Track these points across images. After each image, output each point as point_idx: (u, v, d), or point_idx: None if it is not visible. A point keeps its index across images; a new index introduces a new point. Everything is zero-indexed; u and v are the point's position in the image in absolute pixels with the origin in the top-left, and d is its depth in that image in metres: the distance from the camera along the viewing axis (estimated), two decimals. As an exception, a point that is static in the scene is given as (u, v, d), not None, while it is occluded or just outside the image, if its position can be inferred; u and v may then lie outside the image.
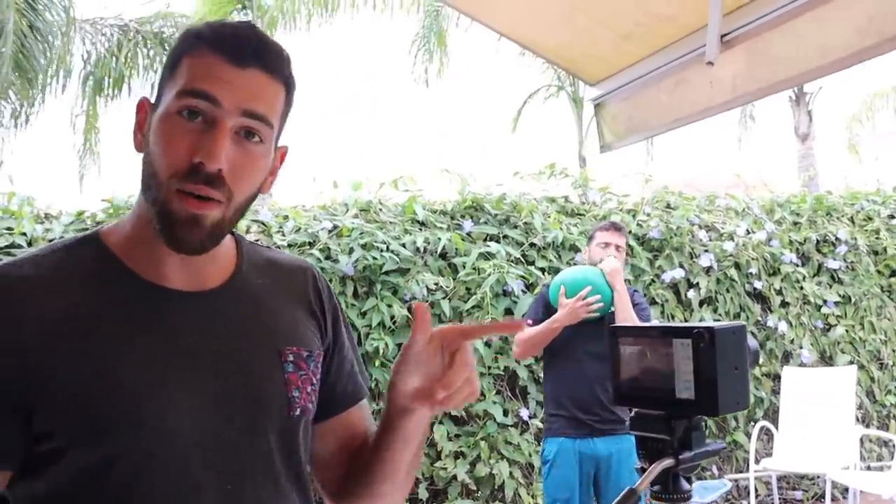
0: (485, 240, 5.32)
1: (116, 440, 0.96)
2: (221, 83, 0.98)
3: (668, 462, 0.86)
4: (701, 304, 5.84)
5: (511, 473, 4.89)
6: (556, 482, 3.64)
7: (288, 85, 1.06)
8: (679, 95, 2.31)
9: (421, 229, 5.19)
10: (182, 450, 0.99)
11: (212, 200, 0.98)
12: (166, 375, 0.99)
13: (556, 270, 5.32)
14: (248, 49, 1.00)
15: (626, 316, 3.56)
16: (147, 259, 1.04)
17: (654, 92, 2.41)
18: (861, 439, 5.41)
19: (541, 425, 4.69)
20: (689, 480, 0.89)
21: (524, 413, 5.05)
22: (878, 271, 6.68)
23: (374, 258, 4.74)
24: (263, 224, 4.88)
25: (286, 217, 5.00)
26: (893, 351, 6.64)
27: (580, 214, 5.91)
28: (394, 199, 5.45)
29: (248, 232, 4.75)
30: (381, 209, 5.27)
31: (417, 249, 5.01)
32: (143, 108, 1.06)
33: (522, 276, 5.15)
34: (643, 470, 0.90)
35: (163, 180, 0.98)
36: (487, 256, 5.13)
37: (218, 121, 0.98)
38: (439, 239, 5.03)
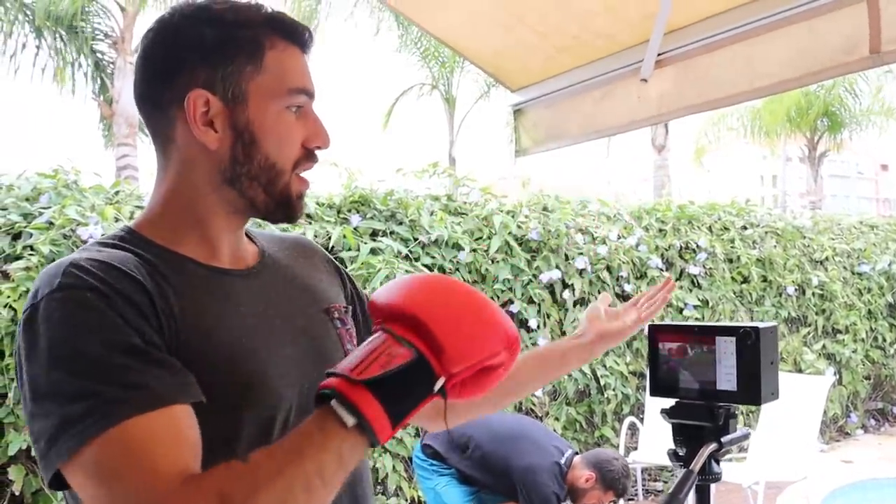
0: (371, 235, 5.35)
1: (244, 401, 0.98)
2: (309, 77, 1.07)
3: (713, 446, 0.97)
4: (575, 304, 6.08)
5: (394, 467, 4.96)
6: None
7: None
8: (605, 107, 2.44)
9: (310, 222, 5.17)
10: (286, 409, 1.02)
11: None
12: (264, 344, 1.03)
13: (441, 268, 5.43)
14: (307, 35, 1.07)
15: None
16: (196, 245, 1.06)
17: (580, 102, 2.53)
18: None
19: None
20: (717, 462, 0.99)
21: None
22: (732, 278, 7.18)
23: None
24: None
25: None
26: (743, 352, 7.15)
27: (463, 213, 6.03)
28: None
29: (132, 217, 4.59)
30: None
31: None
32: (200, 102, 1.01)
33: (409, 272, 5.21)
34: (676, 454, 0.99)
35: (287, 169, 1.05)
36: (375, 252, 5.17)
37: (310, 108, 1.07)
38: (328, 233, 5.03)
